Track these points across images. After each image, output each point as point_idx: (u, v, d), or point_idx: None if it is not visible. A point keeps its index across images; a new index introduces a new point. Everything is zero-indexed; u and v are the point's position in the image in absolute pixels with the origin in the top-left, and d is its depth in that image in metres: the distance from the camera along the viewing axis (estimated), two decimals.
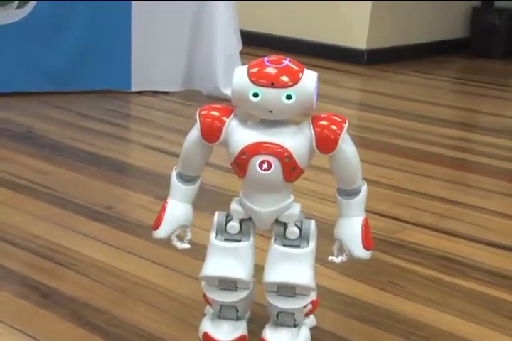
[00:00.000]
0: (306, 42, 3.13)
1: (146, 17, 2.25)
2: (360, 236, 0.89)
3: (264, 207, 0.88)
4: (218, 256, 0.90)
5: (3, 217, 1.35)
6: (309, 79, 0.84)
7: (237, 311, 0.94)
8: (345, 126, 0.86)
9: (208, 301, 0.96)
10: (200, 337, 0.94)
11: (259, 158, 0.85)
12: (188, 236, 0.93)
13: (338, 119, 0.86)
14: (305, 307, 0.93)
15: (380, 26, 3.07)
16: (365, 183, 0.90)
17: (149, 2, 2.23)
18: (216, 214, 0.91)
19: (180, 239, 0.93)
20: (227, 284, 0.91)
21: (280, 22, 3.22)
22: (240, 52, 2.32)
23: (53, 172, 1.61)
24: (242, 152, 0.85)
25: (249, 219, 0.90)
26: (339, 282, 1.15)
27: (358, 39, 3.05)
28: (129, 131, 2.03)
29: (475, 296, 1.14)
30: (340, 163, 0.87)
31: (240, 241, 0.90)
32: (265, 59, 0.85)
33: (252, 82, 0.83)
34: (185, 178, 0.91)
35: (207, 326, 0.94)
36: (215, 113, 0.87)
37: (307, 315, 0.96)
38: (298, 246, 0.89)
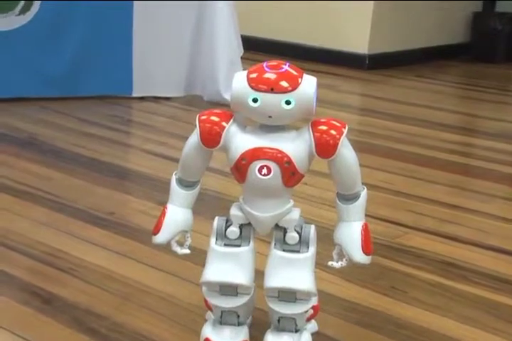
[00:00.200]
0: (308, 48, 3.13)
1: (148, 23, 2.25)
2: (359, 241, 0.88)
3: (264, 212, 0.88)
4: (218, 261, 0.89)
5: (5, 222, 1.35)
6: (308, 84, 0.84)
7: (239, 316, 0.94)
8: (345, 131, 0.86)
9: (209, 307, 0.96)
10: None
11: (258, 163, 0.85)
12: (188, 241, 0.93)
13: (338, 124, 0.86)
14: (306, 312, 0.93)
15: (382, 31, 3.07)
16: (365, 188, 0.90)
17: (151, 8, 2.24)
18: (216, 219, 0.91)
19: (180, 244, 0.93)
20: (228, 289, 0.91)
21: (282, 27, 3.22)
22: (241, 58, 2.33)
23: (55, 178, 1.61)
24: (242, 157, 0.85)
25: (249, 224, 0.90)
26: (341, 287, 1.15)
27: (360, 44, 3.05)
28: (130, 136, 2.04)
29: (476, 301, 1.14)
30: (339, 167, 0.87)
31: (239, 246, 0.90)
32: (264, 64, 0.85)
33: (252, 87, 0.83)
34: (185, 183, 0.91)
35: (208, 332, 0.94)
36: (214, 118, 0.87)
37: (308, 320, 0.96)
38: (298, 251, 0.89)
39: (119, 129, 2.02)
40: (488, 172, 1.81)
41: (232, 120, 0.87)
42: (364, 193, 0.89)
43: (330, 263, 0.91)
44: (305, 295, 0.90)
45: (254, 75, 0.84)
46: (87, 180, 1.60)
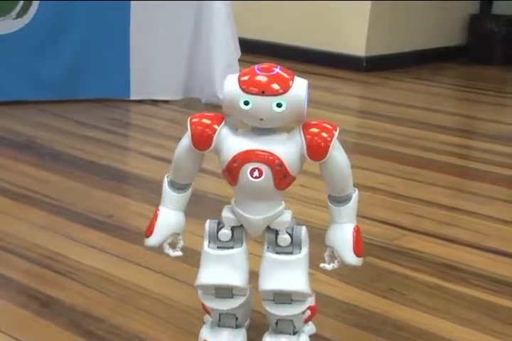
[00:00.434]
0: (305, 50, 3.14)
1: (145, 26, 2.25)
2: (351, 243, 0.89)
3: (256, 215, 0.88)
4: (212, 264, 0.90)
5: (3, 225, 1.35)
6: (300, 86, 0.84)
7: (237, 319, 0.94)
8: (336, 133, 0.86)
9: (206, 310, 0.96)
10: None
11: (250, 166, 0.85)
12: (180, 243, 0.93)
13: (329, 127, 0.86)
14: (303, 313, 0.92)
15: (379, 33, 3.08)
16: (357, 190, 0.90)
17: (148, 9, 2.24)
18: (207, 222, 0.91)
19: (173, 246, 0.93)
20: (224, 292, 0.91)
21: (279, 29, 3.22)
22: (239, 60, 2.33)
23: (53, 181, 1.61)
24: (234, 160, 0.85)
25: (241, 226, 0.90)
26: (339, 289, 1.15)
27: (357, 46, 3.05)
28: (129, 139, 2.04)
29: (475, 303, 1.14)
30: (331, 170, 0.87)
31: (232, 248, 0.90)
32: (256, 67, 0.85)
33: (243, 90, 0.83)
34: (176, 186, 0.91)
35: (206, 334, 0.94)
36: (206, 121, 0.87)
37: (306, 321, 0.96)
38: (290, 253, 0.89)
39: (117, 132, 2.02)
40: (487, 174, 1.81)
41: (223, 123, 0.87)
42: (355, 195, 0.89)
43: (322, 265, 0.91)
44: (300, 296, 0.90)
45: (245, 78, 0.84)
46: (85, 183, 1.60)
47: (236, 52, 2.34)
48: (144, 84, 2.30)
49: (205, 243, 0.91)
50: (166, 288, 1.13)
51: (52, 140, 1.90)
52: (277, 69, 0.84)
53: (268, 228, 0.89)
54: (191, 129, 0.87)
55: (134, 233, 1.33)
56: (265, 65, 0.85)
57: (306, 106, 0.84)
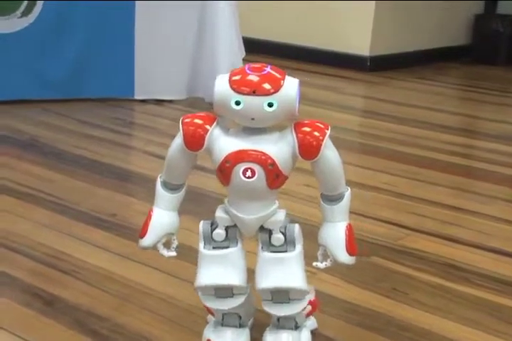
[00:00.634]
0: (309, 49, 3.14)
1: (150, 26, 2.26)
2: (344, 241, 0.89)
3: (249, 214, 0.88)
4: (209, 265, 0.90)
5: (6, 224, 1.35)
6: (291, 86, 0.84)
7: (240, 318, 0.94)
8: (328, 132, 0.86)
9: (209, 310, 0.96)
10: None
11: (242, 166, 0.85)
12: (175, 244, 0.93)
13: (321, 125, 0.86)
14: (304, 309, 0.93)
15: (383, 33, 3.07)
16: (349, 189, 0.90)
17: (153, 9, 2.24)
18: (201, 223, 0.91)
19: (167, 246, 0.93)
20: (224, 292, 0.91)
21: (283, 29, 3.22)
22: (243, 60, 2.33)
23: (57, 180, 1.61)
24: (226, 160, 0.85)
25: (235, 225, 0.90)
26: (342, 289, 1.15)
27: (361, 46, 3.05)
28: (132, 138, 2.04)
29: (478, 303, 1.14)
30: (323, 168, 0.87)
31: (228, 247, 0.90)
32: (246, 66, 0.85)
33: (234, 90, 0.83)
34: (170, 186, 0.92)
35: (210, 333, 0.94)
36: (198, 121, 0.87)
37: (308, 315, 0.96)
38: (285, 252, 0.89)
39: (121, 131, 2.02)
40: (490, 174, 1.81)
41: (215, 123, 0.87)
42: (348, 194, 0.89)
43: (314, 263, 0.91)
44: (298, 294, 0.90)
45: (236, 78, 0.84)
46: (88, 182, 1.60)
47: (240, 51, 2.34)
48: (148, 84, 2.30)
49: (201, 244, 0.91)
50: (169, 287, 1.13)
51: (55, 139, 1.90)
52: (268, 69, 0.84)
53: (261, 227, 0.89)
54: (183, 129, 0.87)
55: (138, 232, 1.32)
56: (256, 65, 0.85)
57: (297, 105, 0.84)
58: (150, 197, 1.50)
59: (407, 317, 1.08)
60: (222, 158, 0.86)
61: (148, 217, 0.92)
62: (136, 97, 2.30)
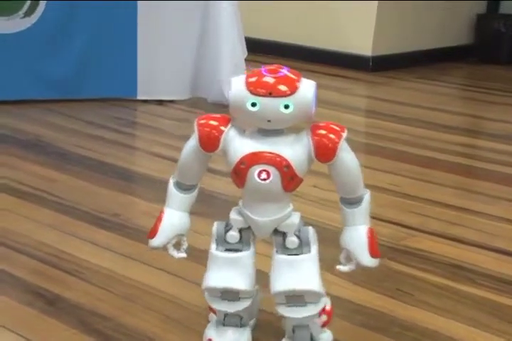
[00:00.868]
0: (312, 49, 3.13)
1: (152, 26, 2.25)
2: (366, 244, 0.88)
3: (264, 217, 0.87)
4: (219, 267, 0.89)
5: (10, 224, 1.35)
6: (307, 88, 0.84)
7: (242, 319, 0.93)
8: (344, 134, 0.85)
9: (212, 310, 0.95)
10: None
11: (257, 168, 0.85)
12: (185, 245, 0.92)
13: (337, 128, 0.86)
14: (319, 317, 0.92)
15: (386, 33, 3.07)
16: (368, 191, 0.89)
17: (155, 11, 2.24)
18: (215, 224, 0.91)
19: (177, 248, 0.92)
20: (230, 295, 0.91)
21: (285, 29, 3.22)
22: (245, 59, 2.33)
23: (60, 180, 1.61)
24: (241, 161, 0.85)
25: (249, 228, 0.89)
26: (347, 289, 1.15)
27: (364, 46, 3.05)
28: (135, 138, 2.04)
29: (482, 303, 1.13)
30: (340, 171, 0.87)
31: (240, 250, 0.90)
32: (263, 68, 0.85)
33: (250, 91, 0.83)
34: (183, 187, 0.91)
35: (211, 333, 0.94)
36: (213, 122, 0.87)
37: (323, 326, 0.95)
38: (300, 254, 0.89)
39: (124, 131, 2.02)
40: (494, 174, 1.80)
41: (230, 124, 0.87)
42: (367, 196, 0.89)
43: (338, 267, 0.91)
44: (313, 297, 0.89)
45: (252, 79, 0.83)
46: (91, 181, 1.60)
47: (242, 51, 2.33)
48: (151, 84, 2.29)
49: (213, 246, 0.90)
50: (172, 287, 1.13)
51: (59, 139, 1.90)
52: (284, 71, 0.84)
53: (276, 230, 0.89)
54: (198, 131, 0.86)
55: (141, 232, 1.33)
56: (272, 67, 0.85)
57: (314, 107, 0.84)
58: (153, 197, 1.51)
59: (411, 318, 1.08)
60: (237, 159, 0.85)
61: (159, 217, 0.91)
62: (139, 97, 2.30)
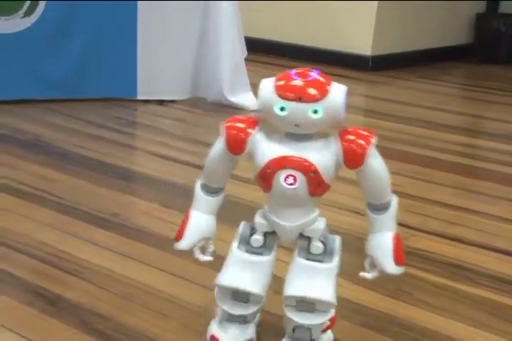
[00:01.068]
0: (311, 49, 3.13)
1: (152, 26, 2.25)
2: (391, 251, 0.87)
3: (289, 222, 0.86)
4: (237, 266, 0.89)
5: (9, 224, 1.35)
6: (337, 93, 0.82)
7: (246, 317, 0.93)
8: (373, 140, 0.84)
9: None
10: (207, 340, 0.94)
11: (284, 173, 0.83)
12: (211, 248, 0.92)
13: (366, 134, 0.85)
14: (323, 323, 0.91)
15: (385, 32, 3.07)
16: (396, 196, 0.88)
17: (155, 11, 2.24)
18: (242, 224, 0.90)
19: (203, 251, 0.92)
20: (240, 296, 0.90)
21: (285, 29, 3.22)
22: (245, 59, 2.33)
23: (60, 179, 1.61)
24: (267, 166, 0.84)
25: (274, 232, 0.88)
26: (347, 289, 1.15)
27: (363, 45, 3.05)
28: (135, 138, 2.04)
29: (482, 302, 1.13)
30: (369, 177, 0.86)
31: (262, 254, 0.89)
32: (292, 71, 0.83)
33: (279, 95, 0.81)
34: (209, 190, 0.91)
35: (214, 329, 0.93)
36: (240, 125, 0.86)
37: (324, 331, 0.94)
38: (321, 261, 0.88)
39: (124, 131, 2.02)
40: (494, 173, 1.80)
41: (257, 127, 0.86)
42: (395, 202, 0.88)
43: (361, 273, 0.90)
44: (324, 306, 0.88)
45: (281, 83, 0.82)
46: (91, 181, 1.60)
47: (242, 51, 2.34)
48: (151, 84, 2.30)
49: (235, 244, 0.89)
50: (172, 287, 1.13)
51: (58, 139, 1.90)
52: (314, 74, 0.82)
53: (301, 235, 0.88)
54: (226, 133, 0.85)
55: (140, 232, 1.33)
56: (301, 70, 0.83)
57: (343, 112, 0.82)
58: (152, 197, 1.51)
59: (411, 317, 1.07)
60: (264, 163, 0.84)
61: (186, 219, 0.90)
62: (139, 97, 2.30)
